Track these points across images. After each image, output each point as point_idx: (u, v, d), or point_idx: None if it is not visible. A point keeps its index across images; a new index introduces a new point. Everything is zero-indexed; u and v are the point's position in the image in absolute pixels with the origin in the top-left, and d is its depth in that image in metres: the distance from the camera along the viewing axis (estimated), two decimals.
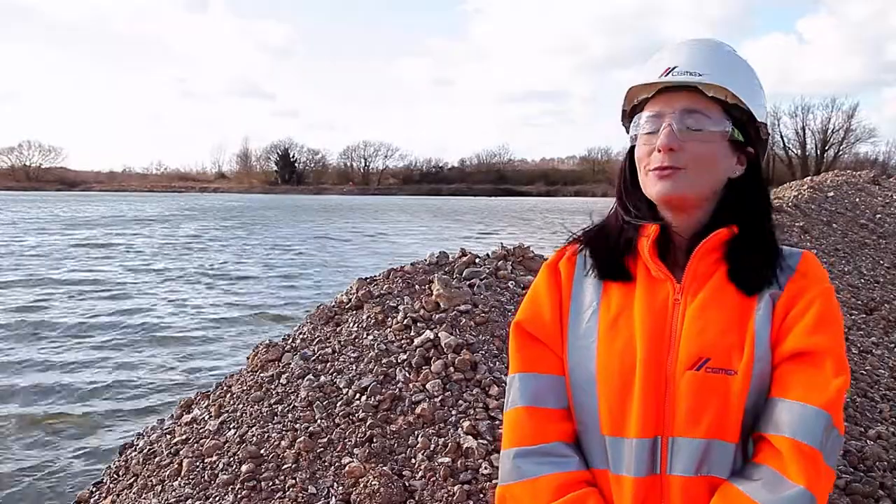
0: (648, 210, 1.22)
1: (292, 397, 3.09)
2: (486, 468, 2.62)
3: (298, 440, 2.78)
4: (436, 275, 3.81)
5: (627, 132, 1.27)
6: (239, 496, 2.58)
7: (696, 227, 1.19)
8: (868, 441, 3.49)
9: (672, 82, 1.16)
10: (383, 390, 3.01)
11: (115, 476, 3.23)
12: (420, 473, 2.63)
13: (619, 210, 1.25)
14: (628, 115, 1.26)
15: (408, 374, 3.11)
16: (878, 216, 10.08)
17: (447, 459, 2.65)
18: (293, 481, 2.62)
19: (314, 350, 3.45)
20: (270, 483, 2.63)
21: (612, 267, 1.22)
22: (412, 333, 3.38)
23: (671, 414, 1.11)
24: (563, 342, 1.23)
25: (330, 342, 3.51)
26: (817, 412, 1.06)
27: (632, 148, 1.25)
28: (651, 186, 1.17)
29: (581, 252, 1.28)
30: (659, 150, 1.14)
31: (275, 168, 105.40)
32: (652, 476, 1.12)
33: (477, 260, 4.21)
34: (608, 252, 1.23)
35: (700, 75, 1.14)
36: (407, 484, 2.59)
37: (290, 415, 2.97)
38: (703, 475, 1.10)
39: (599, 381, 1.16)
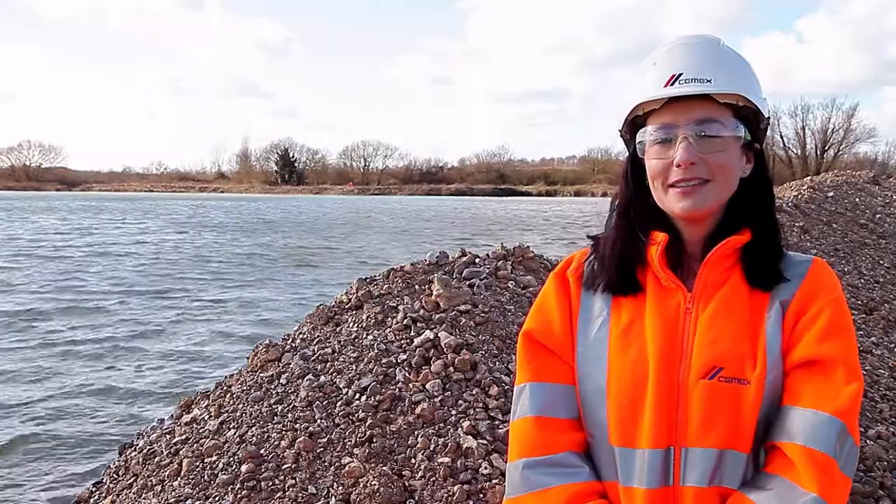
0: (655, 219, 1.19)
1: (292, 397, 3.09)
2: (485, 468, 2.62)
3: (298, 440, 2.78)
4: (436, 275, 3.81)
5: (625, 141, 1.23)
6: (239, 496, 2.58)
7: (707, 233, 1.17)
8: (868, 441, 3.48)
9: (685, 93, 1.11)
10: (383, 390, 3.01)
11: (115, 476, 3.23)
12: (420, 473, 2.62)
13: (623, 223, 1.22)
14: (628, 124, 1.21)
15: (408, 374, 3.11)
16: (878, 216, 10.08)
17: (447, 459, 2.65)
18: (293, 481, 2.62)
19: (314, 350, 3.44)
20: (270, 483, 2.63)
21: (621, 282, 1.19)
22: (412, 333, 3.38)
23: (684, 424, 1.10)
24: (573, 352, 1.21)
25: (330, 342, 3.51)
26: (830, 419, 1.05)
27: (631, 157, 1.22)
28: (675, 203, 1.14)
29: (589, 261, 1.25)
30: (678, 166, 1.11)
31: (274, 168, 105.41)
32: (664, 488, 1.11)
33: (477, 260, 4.21)
34: (616, 267, 1.20)
35: (709, 81, 1.10)
36: (407, 484, 2.58)
37: (289, 415, 2.97)
38: (716, 486, 1.09)
39: (610, 392, 1.15)
